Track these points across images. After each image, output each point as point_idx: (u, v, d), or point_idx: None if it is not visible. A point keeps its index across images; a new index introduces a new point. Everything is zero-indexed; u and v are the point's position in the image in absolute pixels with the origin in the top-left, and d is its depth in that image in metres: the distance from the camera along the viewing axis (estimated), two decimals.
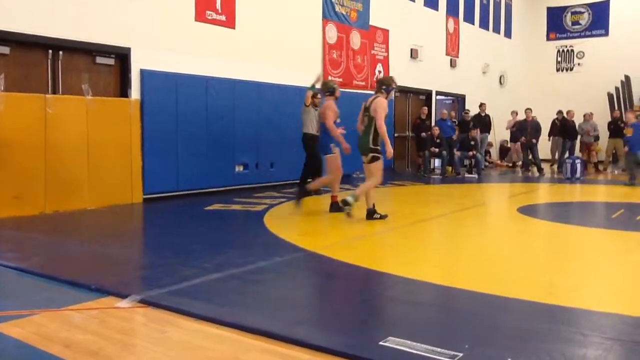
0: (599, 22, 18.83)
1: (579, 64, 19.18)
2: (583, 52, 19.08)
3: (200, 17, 9.01)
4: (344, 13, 12.05)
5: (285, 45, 10.56)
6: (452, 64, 15.82)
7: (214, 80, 9.08)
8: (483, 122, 14.86)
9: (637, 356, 2.71)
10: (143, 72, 8.16)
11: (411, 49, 14.06)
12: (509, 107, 16.36)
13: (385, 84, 6.66)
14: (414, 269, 4.30)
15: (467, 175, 13.40)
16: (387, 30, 13.27)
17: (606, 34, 18.70)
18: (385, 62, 13.32)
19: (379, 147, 6.50)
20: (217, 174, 9.16)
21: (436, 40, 15.14)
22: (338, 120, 7.27)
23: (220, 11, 9.32)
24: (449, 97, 16.31)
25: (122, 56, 8.07)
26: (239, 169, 9.65)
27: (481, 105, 15.05)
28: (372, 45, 12.92)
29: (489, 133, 15.29)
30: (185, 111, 8.59)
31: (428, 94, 15.00)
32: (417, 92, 14.62)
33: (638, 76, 17.70)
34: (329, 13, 11.67)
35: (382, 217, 6.61)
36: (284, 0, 10.53)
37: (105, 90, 7.98)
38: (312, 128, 7.97)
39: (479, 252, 5.22)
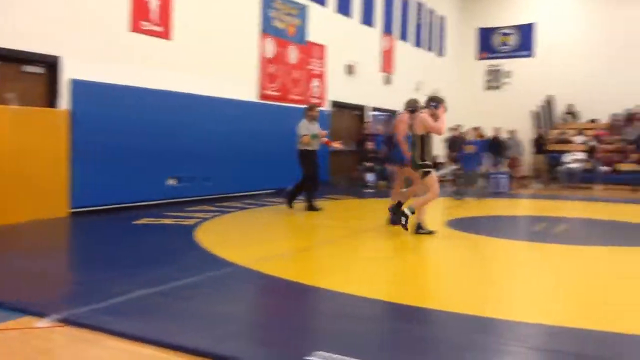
0: (525, 43, 19.83)
1: (506, 83, 20.09)
2: (510, 72, 20.00)
3: (135, 27, 8.89)
4: (282, 28, 12.17)
5: (223, 58, 10.55)
6: (387, 81, 16.22)
7: (149, 92, 8.95)
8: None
9: None
10: (74, 82, 7.95)
11: (347, 65, 14.33)
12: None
13: (435, 101, 7.03)
14: (345, 283, 4.39)
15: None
16: (324, 46, 13.48)
17: (532, 55, 19.70)
18: (322, 78, 13.52)
19: (428, 162, 6.75)
20: (149, 188, 9.01)
21: (371, 56, 15.51)
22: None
23: (156, 22, 9.23)
24: (383, 113, 16.68)
25: (51, 65, 7.84)
26: (173, 182, 9.53)
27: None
28: (309, 60, 13.09)
29: None
30: (118, 122, 8.41)
31: (362, 109, 15.31)
32: (352, 107, 14.89)
33: (560, 95, 18.75)
34: (268, 27, 11.75)
35: (430, 232, 6.80)
36: (222, 13, 10.53)
37: (32, 100, 7.72)
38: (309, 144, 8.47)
39: (409, 265, 5.39)
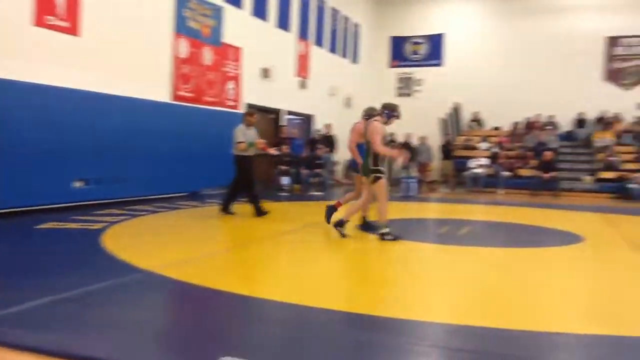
0: (435, 53, 20.67)
1: (417, 91, 20.84)
2: (421, 80, 20.77)
3: (39, 21, 8.46)
4: (196, 28, 11.99)
5: (135, 57, 10.26)
6: (302, 85, 16.38)
7: (54, 89, 8.51)
8: (329, 141, 15.58)
9: None
10: None
11: (263, 68, 14.34)
12: None
13: (388, 109, 7.10)
14: (256, 287, 4.41)
15: (313, 193, 13.89)
16: (240, 48, 13.42)
17: (441, 64, 20.56)
18: (238, 80, 13.45)
19: (380, 167, 6.84)
20: (54, 190, 8.56)
21: (287, 61, 15.61)
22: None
23: (62, 17, 8.83)
24: (298, 117, 16.84)
25: None
26: (79, 184, 9.13)
27: (327, 125, 15.78)
28: (225, 62, 12.98)
29: (332, 152, 16.03)
30: (19, 121, 7.96)
31: (278, 113, 15.37)
32: (267, 110, 14.91)
33: (467, 103, 19.70)
34: (181, 27, 11.55)
35: (343, 235, 6.95)
36: (134, 11, 10.24)
37: None
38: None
39: (320, 269, 5.47)
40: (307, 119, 17.11)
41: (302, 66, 16.40)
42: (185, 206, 9.84)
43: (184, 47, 11.68)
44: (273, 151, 10.28)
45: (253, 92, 13.92)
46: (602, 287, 5.05)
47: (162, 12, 11.10)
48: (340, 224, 7.01)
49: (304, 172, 14.08)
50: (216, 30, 12.64)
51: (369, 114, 7.40)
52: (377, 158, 6.85)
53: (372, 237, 7.50)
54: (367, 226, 7.77)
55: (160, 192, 10.62)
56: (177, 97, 11.51)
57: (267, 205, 9.25)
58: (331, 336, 3.39)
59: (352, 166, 8.25)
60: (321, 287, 4.66)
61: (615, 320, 3.83)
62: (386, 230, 6.88)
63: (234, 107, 13.29)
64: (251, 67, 13.87)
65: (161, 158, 10.51)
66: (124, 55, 10.01)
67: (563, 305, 4.29)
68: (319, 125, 16.74)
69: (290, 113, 15.94)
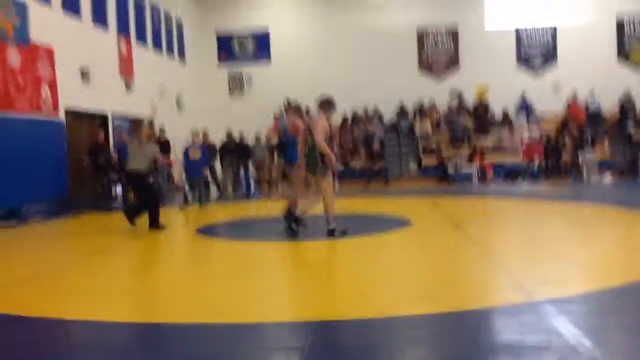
0: (262, 49, 20.77)
1: (248, 88, 20.82)
2: (252, 77, 20.77)
3: None
4: None
5: None
6: (128, 86, 15.50)
7: None
8: (163, 146, 14.89)
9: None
10: None
11: (81, 70, 13.29)
12: (188, 128, 16.73)
13: (326, 103, 7.08)
14: (91, 308, 4.01)
15: None
16: (53, 49, 12.28)
17: (269, 60, 20.74)
18: (53, 83, 12.29)
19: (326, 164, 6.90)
20: None
21: (108, 61, 14.65)
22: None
23: None
24: (127, 120, 15.91)
25: None
26: None
27: (160, 130, 15.08)
28: (36, 64, 11.79)
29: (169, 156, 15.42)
30: None
31: (104, 116, 14.37)
32: (91, 115, 13.88)
33: (298, 98, 20.08)
34: None
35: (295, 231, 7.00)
36: None
37: None
38: (141, 163, 7.86)
39: (162, 281, 5.17)
40: (136, 122, 16.21)
41: (126, 66, 15.51)
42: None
43: None
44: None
45: (72, 95, 12.84)
46: (430, 267, 5.38)
47: None
48: (332, 233, 6.84)
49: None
50: (22, 30, 11.40)
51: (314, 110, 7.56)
52: (323, 154, 6.89)
53: (214, 242, 7.31)
54: (293, 218, 7.43)
55: None
56: None
57: (95, 217, 8.60)
58: (153, 349, 3.17)
59: (287, 159, 8.10)
60: (167, 301, 4.38)
61: (442, 298, 4.07)
62: (333, 226, 6.84)
63: (51, 113, 12.16)
64: (68, 69, 12.77)
65: None
66: None
67: (395, 288, 4.48)
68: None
69: (117, 117, 14.98)
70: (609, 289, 4.12)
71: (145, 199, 8.05)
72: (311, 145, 6.97)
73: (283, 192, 14.67)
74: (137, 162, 8.02)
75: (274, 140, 8.52)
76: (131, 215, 8.02)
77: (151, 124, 8.51)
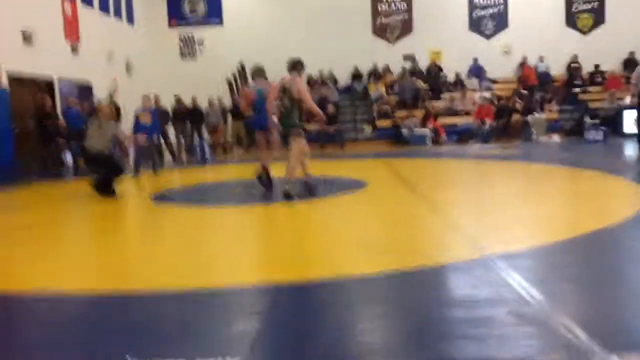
0: (214, 11, 20.25)
1: (200, 51, 20.35)
2: (203, 40, 20.29)
3: None
4: None
5: None
6: (74, 50, 14.93)
7: None
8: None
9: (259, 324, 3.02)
10: None
11: (23, 32, 12.69)
12: (139, 94, 16.32)
13: (299, 64, 7.25)
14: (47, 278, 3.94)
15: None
16: None
17: (221, 23, 20.27)
18: None
19: (303, 124, 7.14)
20: None
21: (52, 22, 14.02)
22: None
23: None
24: (74, 86, 15.37)
25: None
26: None
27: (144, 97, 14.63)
28: None
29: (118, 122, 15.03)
30: None
31: (50, 82, 13.84)
32: (36, 81, 13.34)
33: (251, 62, 19.76)
34: None
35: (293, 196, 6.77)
36: None
37: None
38: (101, 143, 7.76)
39: (118, 248, 5.11)
40: (84, 88, 15.68)
41: (71, 28, 14.89)
42: None
43: None
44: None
45: (13, 59, 12.28)
46: (385, 227, 5.50)
47: None
48: (288, 195, 6.75)
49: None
50: None
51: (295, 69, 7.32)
52: (301, 114, 7.00)
53: (170, 209, 7.26)
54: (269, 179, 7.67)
55: None
56: None
57: (45, 186, 8.36)
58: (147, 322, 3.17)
59: (258, 124, 7.99)
60: (123, 270, 4.34)
61: (398, 257, 4.18)
62: (288, 188, 6.83)
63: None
64: (8, 31, 12.17)
65: None
66: None
67: (352, 248, 4.57)
68: (99, 93, 15.42)
69: (63, 81, 14.43)
70: (555, 243, 4.32)
71: (108, 172, 7.90)
72: (290, 105, 7.02)
73: (240, 155, 14.57)
74: (98, 142, 7.87)
75: (249, 112, 8.37)
76: (104, 189, 7.85)
77: (112, 100, 8.22)
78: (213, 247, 5.00)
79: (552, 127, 16.37)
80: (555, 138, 15.46)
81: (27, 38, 12.77)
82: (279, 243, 5.06)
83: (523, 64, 19.10)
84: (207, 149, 13.79)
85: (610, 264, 3.90)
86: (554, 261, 3.96)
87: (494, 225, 5.20)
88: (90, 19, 15.82)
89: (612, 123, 15.36)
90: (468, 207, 6.44)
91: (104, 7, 16.87)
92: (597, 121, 15.49)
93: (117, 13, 17.81)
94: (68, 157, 13.33)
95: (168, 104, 15.56)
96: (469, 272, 3.67)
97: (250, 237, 5.45)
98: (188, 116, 15.67)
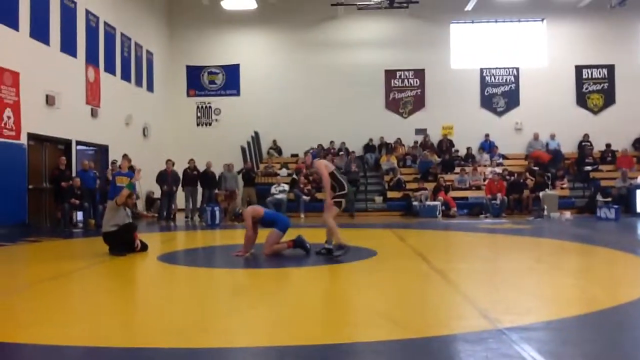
0: (232, 83, 20.92)
1: (216, 120, 20.86)
2: (220, 109, 20.84)
3: None
4: None
5: None
6: (94, 114, 15.34)
7: None
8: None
9: None
10: None
11: (47, 95, 13.12)
12: (153, 158, 16.64)
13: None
14: (54, 334, 3.88)
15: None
16: (18, 73, 12.12)
17: (238, 94, 20.88)
18: (16, 107, 12.10)
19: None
20: None
21: (75, 88, 14.51)
22: None
23: None
24: (91, 148, 15.70)
25: None
26: None
27: (124, 157, 14.93)
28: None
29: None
30: None
31: (67, 143, 14.15)
32: (54, 141, 13.66)
33: (265, 132, 20.27)
34: None
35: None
36: None
37: None
38: (113, 226, 8.00)
39: (123, 306, 5.04)
40: (101, 150, 16.01)
41: (93, 94, 15.37)
42: None
43: None
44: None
45: (36, 120, 12.65)
46: (396, 295, 5.40)
47: None
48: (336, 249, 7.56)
49: (101, 206, 13.09)
50: None
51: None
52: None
53: (175, 268, 7.21)
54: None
55: None
56: None
57: (57, 243, 8.36)
58: None
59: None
60: (131, 326, 4.27)
61: (409, 325, 4.09)
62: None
63: (13, 137, 11.93)
64: (32, 94, 12.60)
65: None
66: None
67: (362, 315, 4.48)
68: (114, 156, 15.73)
69: (80, 143, 14.76)
70: (569, 318, 4.21)
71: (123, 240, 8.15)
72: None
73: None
74: (112, 224, 8.09)
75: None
76: (120, 251, 8.04)
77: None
78: (215, 307, 4.92)
79: (564, 203, 16.31)
80: (567, 215, 15.37)
81: (50, 100, 13.17)
82: (286, 306, 4.96)
83: (535, 147, 19.42)
84: (217, 213, 13.82)
85: (626, 342, 3.78)
86: (567, 336, 3.84)
87: (506, 298, 5.08)
88: (111, 85, 16.35)
89: (624, 201, 15.31)
90: (480, 278, 6.33)
91: (125, 76, 17.44)
92: (609, 199, 15.45)
93: (138, 82, 18.39)
94: (80, 217, 13.43)
95: (181, 169, 15.83)
96: (481, 343, 3.56)
97: (256, 299, 5.36)
98: (200, 180, 15.88)
